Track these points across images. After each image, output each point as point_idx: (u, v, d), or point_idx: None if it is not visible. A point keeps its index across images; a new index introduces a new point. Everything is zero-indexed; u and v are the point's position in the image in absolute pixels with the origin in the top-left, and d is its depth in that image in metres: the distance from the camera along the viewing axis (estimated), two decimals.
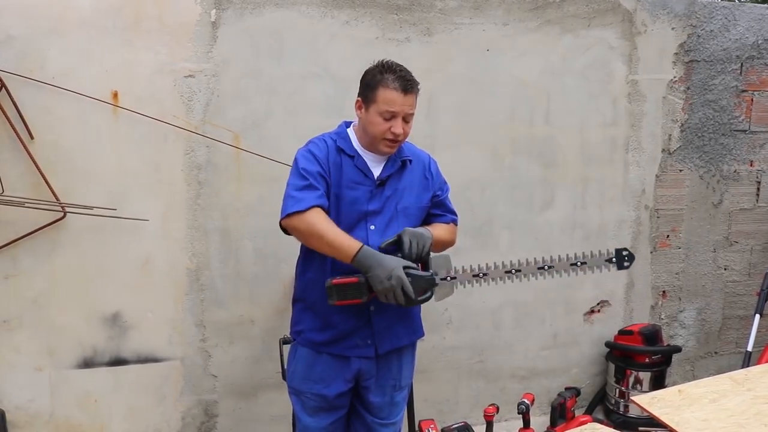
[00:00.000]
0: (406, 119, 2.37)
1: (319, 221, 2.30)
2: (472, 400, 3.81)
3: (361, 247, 2.28)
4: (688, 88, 3.91)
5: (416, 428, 3.41)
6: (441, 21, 3.43)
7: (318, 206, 2.32)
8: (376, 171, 2.46)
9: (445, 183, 2.71)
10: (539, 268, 2.52)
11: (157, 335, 3.27)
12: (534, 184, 3.73)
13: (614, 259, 2.56)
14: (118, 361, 3.23)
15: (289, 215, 2.31)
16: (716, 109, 3.98)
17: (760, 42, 3.98)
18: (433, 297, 2.41)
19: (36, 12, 2.91)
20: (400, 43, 3.38)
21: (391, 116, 2.34)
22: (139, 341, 3.25)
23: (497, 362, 3.85)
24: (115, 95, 3.04)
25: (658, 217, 3.99)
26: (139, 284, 3.20)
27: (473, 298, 3.71)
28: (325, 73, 3.29)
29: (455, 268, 2.48)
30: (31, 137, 2.94)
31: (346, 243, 2.29)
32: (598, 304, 3.99)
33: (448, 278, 2.45)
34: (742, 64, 3.98)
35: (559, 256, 2.55)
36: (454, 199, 3.55)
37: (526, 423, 3.36)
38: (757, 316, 3.80)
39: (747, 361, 3.66)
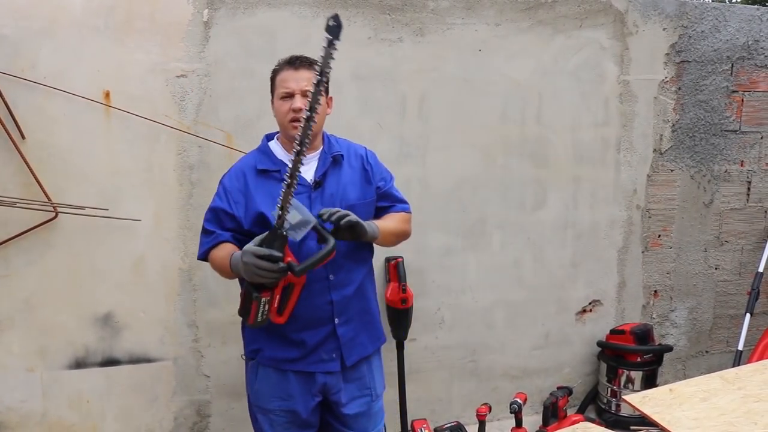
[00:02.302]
0: (307, 95, 2.20)
1: (213, 263, 2.39)
2: (465, 400, 3.82)
3: (230, 258, 2.26)
4: (679, 89, 3.93)
5: (409, 428, 3.42)
6: (433, 21, 3.43)
7: (211, 248, 2.37)
8: (309, 174, 2.37)
9: (388, 172, 2.59)
10: None
11: (150, 335, 3.27)
12: (526, 184, 3.74)
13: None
14: (110, 362, 3.23)
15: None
16: (707, 109, 4.00)
17: (750, 43, 4.00)
18: (295, 235, 2.14)
19: (27, 11, 2.90)
20: (392, 43, 3.39)
21: (287, 95, 2.30)
22: (132, 341, 3.24)
23: (489, 362, 3.86)
24: (107, 95, 3.04)
25: (649, 217, 4.01)
26: (131, 284, 3.20)
27: (465, 297, 3.72)
28: None
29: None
30: (23, 137, 2.94)
31: (225, 263, 2.29)
32: (590, 303, 4.00)
33: (282, 212, 2.14)
34: (732, 64, 4.00)
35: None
36: (447, 199, 3.59)
37: (519, 422, 3.37)
38: (748, 315, 3.82)
39: (738, 360, 3.68)
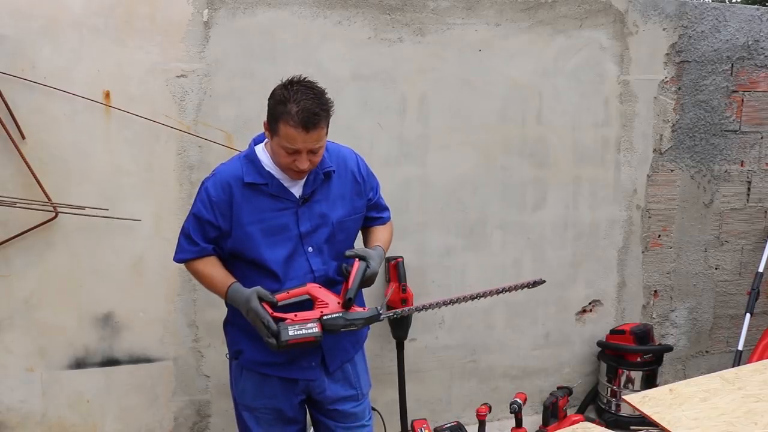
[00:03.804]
0: (314, 151, 2.18)
1: (196, 272, 2.39)
2: (465, 400, 3.82)
3: (229, 287, 2.27)
4: (679, 89, 3.93)
5: (409, 428, 3.42)
6: (433, 21, 3.43)
7: (194, 258, 2.36)
8: (297, 189, 2.30)
9: (376, 179, 2.54)
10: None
11: (150, 335, 3.27)
12: (526, 184, 3.73)
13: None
14: (110, 362, 3.23)
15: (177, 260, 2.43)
16: (707, 109, 4.00)
17: (750, 43, 4.00)
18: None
19: (27, 11, 2.90)
20: (392, 43, 3.39)
21: (293, 151, 2.15)
22: (132, 341, 3.24)
23: (490, 362, 3.86)
24: (107, 95, 3.04)
25: (649, 217, 4.01)
26: (131, 284, 3.20)
27: None
28: (318, 73, 3.26)
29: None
30: (23, 137, 2.94)
31: (218, 287, 2.32)
32: (590, 303, 4.00)
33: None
34: (732, 64, 4.00)
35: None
36: (447, 200, 3.60)
37: (519, 422, 3.37)
38: (748, 315, 3.82)
39: (738, 360, 3.68)
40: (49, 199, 2.99)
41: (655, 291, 4.12)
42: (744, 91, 4.06)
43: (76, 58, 2.98)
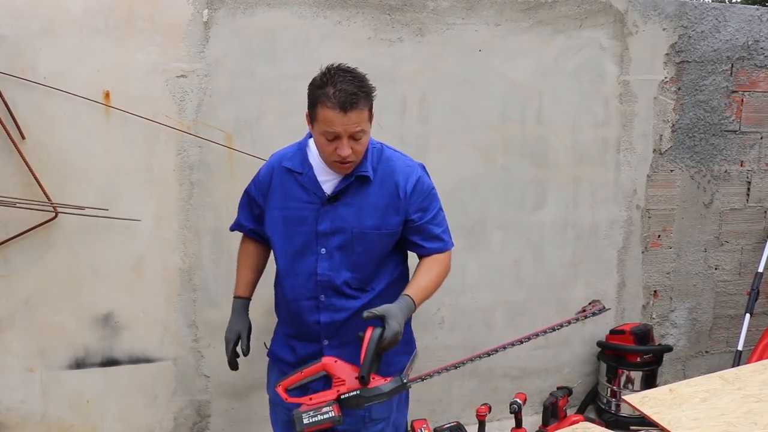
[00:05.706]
0: (355, 137, 2.09)
1: (238, 253, 2.65)
2: (465, 400, 3.82)
3: (235, 298, 2.56)
4: (679, 89, 3.92)
5: (409, 428, 3.42)
6: (433, 21, 3.43)
7: (244, 232, 2.59)
8: (329, 186, 2.24)
9: (432, 201, 2.36)
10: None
11: (150, 336, 3.27)
12: (526, 184, 3.73)
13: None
14: (110, 362, 3.23)
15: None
16: (707, 109, 4.00)
17: (750, 43, 4.00)
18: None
19: (27, 12, 2.90)
20: (392, 44, 3.38)
21: (333, 137, 2.08)
22: (131, 342, 3.24)
23: (489, 362, 3.82)
24: (107, 95, 3.04)
25: (649, 217, 4.01)
26: (131, 285, 3.20)
27: (465, 297, 3.72)
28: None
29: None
30: (23, 137, 2.94)
31: (236, 283, 2.62)
32: (590, 304, 3.99)
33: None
34: (732, 64, 4.00)
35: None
36: (447, 200, 3.54)
37: (518, 422, 3.37)
38: (748, 315, 3.82)
39: (737, 360, 3.68)
40: (49, 199, 2.99)
41: (655, 291, 4.12)
42: (744, 92, 4.06)
43: (76, 58, 2.98)
